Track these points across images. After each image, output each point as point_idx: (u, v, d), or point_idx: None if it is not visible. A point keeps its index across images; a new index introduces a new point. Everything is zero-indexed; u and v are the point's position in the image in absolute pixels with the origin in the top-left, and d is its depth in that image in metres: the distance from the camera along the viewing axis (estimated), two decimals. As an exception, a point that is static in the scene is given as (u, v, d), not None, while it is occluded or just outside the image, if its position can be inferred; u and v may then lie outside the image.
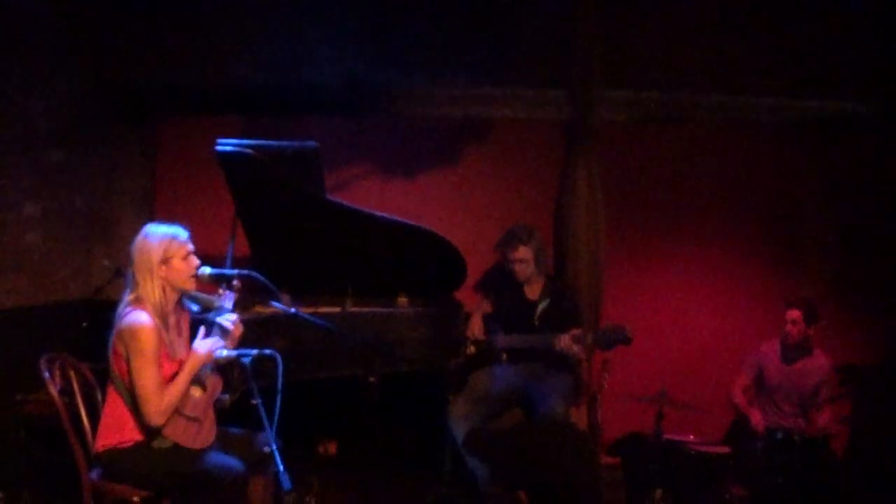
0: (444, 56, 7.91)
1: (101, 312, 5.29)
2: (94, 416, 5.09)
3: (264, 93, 7.96)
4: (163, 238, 4.88)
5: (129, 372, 4.69)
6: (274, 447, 4.54)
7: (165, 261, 4.84)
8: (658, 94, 8.03)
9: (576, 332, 6.76)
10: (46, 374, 5.02)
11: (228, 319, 5.00)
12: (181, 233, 4.95)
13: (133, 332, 4.68)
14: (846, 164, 8.20)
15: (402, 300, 6.73)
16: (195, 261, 4.97)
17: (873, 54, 7.95)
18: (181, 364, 4.85)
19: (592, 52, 7.70)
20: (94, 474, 4.90)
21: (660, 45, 7.93)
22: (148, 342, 4.68)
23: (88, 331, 6.60)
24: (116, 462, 4.79)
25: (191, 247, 4.97)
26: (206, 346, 4.88)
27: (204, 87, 7.96)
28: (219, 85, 7.95)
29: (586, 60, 7.70)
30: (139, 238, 4.89)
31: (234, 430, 5.19)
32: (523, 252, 7.08)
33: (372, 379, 5.30)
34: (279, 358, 4.80)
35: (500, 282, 7.38)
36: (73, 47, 7.26)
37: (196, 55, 7.86)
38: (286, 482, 4.43)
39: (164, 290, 4.85)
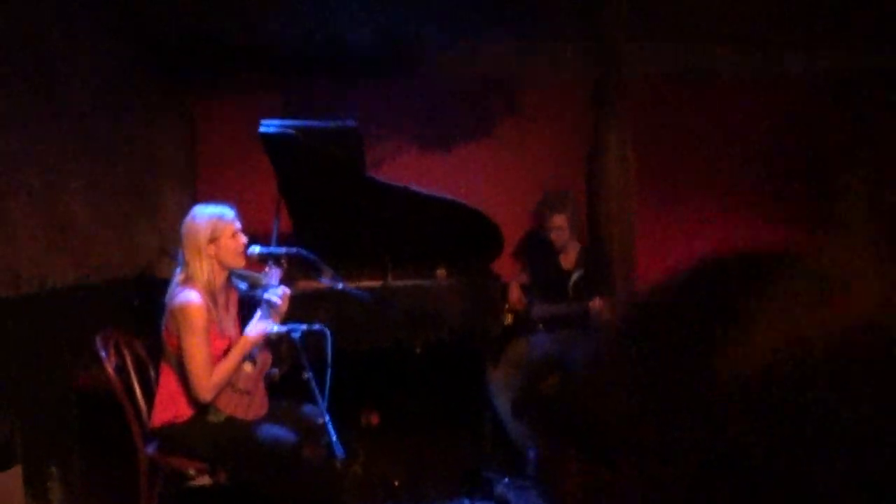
0: (474, 13, 7.91)
1: (149, 289, 5.45)
2: (148, 392, 5.26)
3: (300, 55, 8.02)
4: (210, 217, 5.04)
5: (181, 349, 4.86)
6: (327, 418, 4.71)
7: (214, 240, 5.00)
8: (687, 48, 8.10)
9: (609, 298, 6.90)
10: (103, 353, 5.17)
11: (276, 294, 5.14)
12: (227, 211, 5.10)
13: (184, 310, 4.84)
14: (877, 118, 8.20)
15: (441, 272, 6.85)
16: (243, 238, 5.12)
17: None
18: (230, 340, 5.02)
19: (620, 7, 7.76)
20: (151, 448, 5.08)
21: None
22: (198, 320, 4.84)
23: (138, 307, 6.74)
24: (173, 436, 4.97)
25: (238, 224, 5.12)
26: (257, 329, 5.04)
27: (241, 48, 8.02)
28: (255, 45, 8.02)
29: (614, 16, 7.74)
30: (187, 219, 5.06)
31: (283, 403, 5.35)
32: (559, 220, 7.23)
33: (418, 350, 5.44)
34: (328, 333, 4.96)
35: (535, 250, 7.52)
36: (114, 14, 7.32)
37: (233, 16, 7.91)
38: (339, 450, 4.60)
39: (213, 268, 5.01)
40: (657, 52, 8.06)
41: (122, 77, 7.38)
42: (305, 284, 6.14)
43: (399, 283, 6.65)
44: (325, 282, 5.35)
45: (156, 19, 7.69)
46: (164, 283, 5.15)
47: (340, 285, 5.33)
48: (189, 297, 4.87)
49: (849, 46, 8.02)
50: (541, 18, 7.89)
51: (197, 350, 4.82)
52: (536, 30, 7.98)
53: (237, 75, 8.12)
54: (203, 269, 4.99)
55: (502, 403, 6.88)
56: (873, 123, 8.22)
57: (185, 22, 7.81)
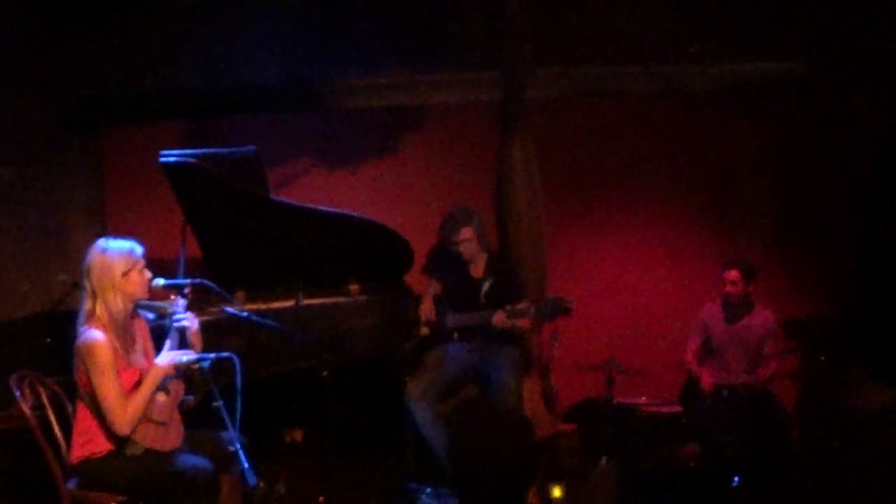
0: (376, 46, 8.04)
1: (63, 324, 5.47)
2: (66, 428, 5.26)
3: (203, 95, 8.09)
4: (122, 252, 5.06)
5: (92, 386, 4.89)
6: (238, 446, 4.77)
7: (125, 273, 5.03)
8: (589, 68, 8.19)
9: (509, 307, 7.05)
10: (17, 393, 5.19)
11: (186, 319, 5.21)
12: (137, 247, 5.14)
13: (89, 348, 4.88)
14: (780, 125, 8.40)
15: (354, 287, 6.90)
16: (148, 273, 5.17)
17: (806, 14, 8.11)
18: (140, 372, 5.06)
19: (522, 31, 7.89)
20: (71, 484, 5.08)
21: (588, 20, 8.07)
22: (103, 356, 4.87)
23: (52, 343, 6.72)
24: (92, 471, 4.99)
25: (144, 259, 5.17)
26: (166, 359, 5.10)
27: (146, 94, 8.06)
28: (160, 91, 8.06)
29: (516, 40, 7.89)
30: (96, 253, 5.05)
31: (200, 431, 5.39)
32: (466, 232, 7.31)
33: (325, 373, 5.51)
34: (236, 360, 5.01)
35: (446, 263, 7.60)
36: (15, 63, 7.36)
37: (136, 63, 7.94)
38: (251, 478, 4.68)
39: (123, 301, 5.04)
40: (560, 74, 8.17)
41: (29, 126, 7.41)
42: (216, 311, 6.18)
43: (311, 301, 6.72)
44: (229, 311, 5.41)
45: (65, 74, 7.74)
46: (76, 316, 5.16)
47: (245, 313, 5.38)
48: (93, 336, 4.91)
49: (752, 55, 8.14)
50: (446, 48, 8.04)
51: (107, 387, 4.86)
52: (442, 59, 8.10)
53: (145, 124, 8.15)
54: (116, 302, 5.01)
55: (421, 413, 6.97)
56: (778, 129, 8.39)
57: (96, 76, 7.85)
